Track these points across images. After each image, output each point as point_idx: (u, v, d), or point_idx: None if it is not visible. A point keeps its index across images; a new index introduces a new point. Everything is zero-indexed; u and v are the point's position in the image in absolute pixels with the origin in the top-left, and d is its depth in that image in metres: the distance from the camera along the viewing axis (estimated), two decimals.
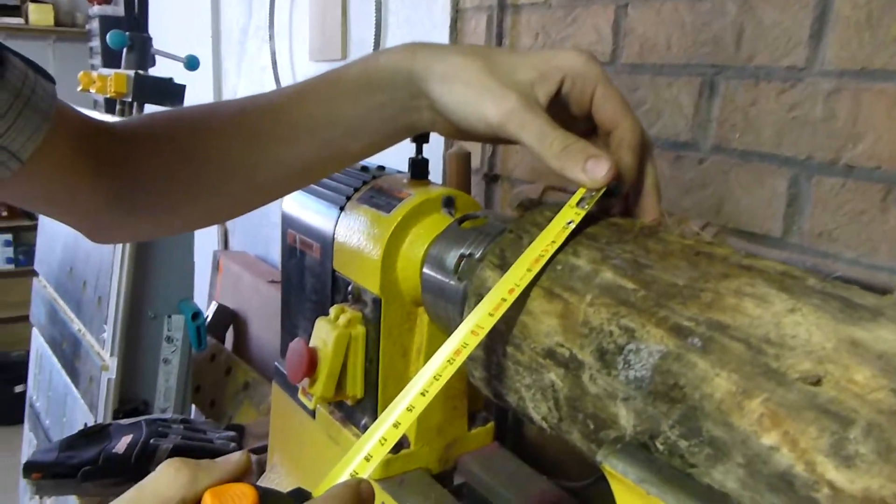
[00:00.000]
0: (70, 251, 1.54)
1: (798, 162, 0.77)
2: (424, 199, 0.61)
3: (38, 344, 1.75)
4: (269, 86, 1.86)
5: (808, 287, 0.35)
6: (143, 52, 1.43)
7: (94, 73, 1.51)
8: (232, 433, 1.11)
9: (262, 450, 1.00)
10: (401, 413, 0.42)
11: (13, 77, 0.40)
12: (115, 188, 0.46)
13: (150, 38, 1.49)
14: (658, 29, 0.88)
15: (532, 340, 0.43)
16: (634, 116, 0.47)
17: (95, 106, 2.56)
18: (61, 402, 1.53)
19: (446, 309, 0.55)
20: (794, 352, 0.32)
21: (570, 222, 0.45)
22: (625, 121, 0.47)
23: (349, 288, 0.64)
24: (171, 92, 1.33)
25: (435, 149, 0.69)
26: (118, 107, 1.46)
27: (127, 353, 1.32)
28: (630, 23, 0.91)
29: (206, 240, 2.16)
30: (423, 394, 0.42)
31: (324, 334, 0.62)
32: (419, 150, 0.65)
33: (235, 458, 0.37)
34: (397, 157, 0.87)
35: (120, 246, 1.27)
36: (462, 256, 0.53)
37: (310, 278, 0.71)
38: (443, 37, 1.21)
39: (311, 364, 0.61)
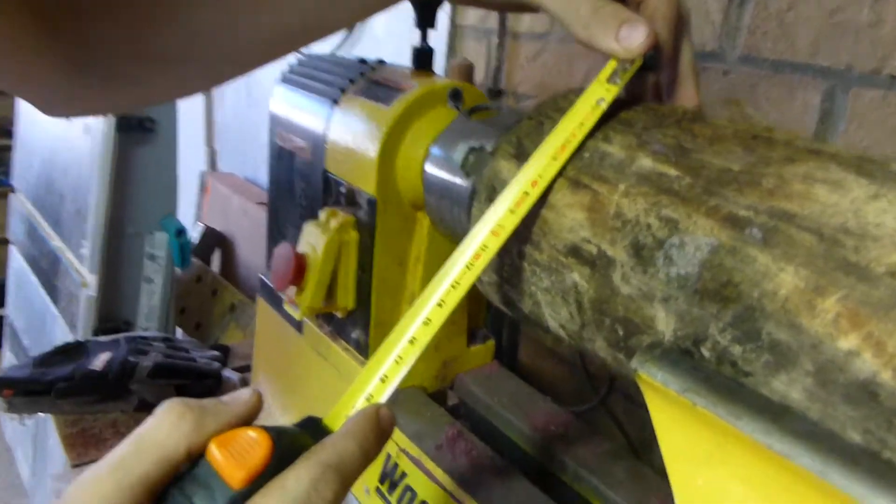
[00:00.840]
0: (48, 165, 1.47)
1: (836, 73, 0.70)
2: (428, 91, 0.54)
3: (17, 263, 1.68)
4: None
5: (892, 172, 0.30)
6: None
7: None
8: (216, 353, 1.06)
9: (247, 368, 0.96)
10: (417, 328, 0.37)
11: None
12: (67, 52, 0.39)
13: None
14: None
15: (553, 237, 0.38)
16: None
17: None
18: (40, 321, 1.48)
19: (452, 210, 0.49)
20: (880, 242, 0.27)
21: (600, 101, 0.39)
22: None
23: (341, 190, 0.58)
24: None
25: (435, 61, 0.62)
26: None
27: (108, 270, 1.26)
28: None
29: (192, 160, 2.08)
30: (440, 305, 0.37)
31: (313, 239, 0.57)
32: (424, 38, 0.58)
33: (244, 399, 0.31)
34: (398, 50, 0.79)
35: (99, 158, 1.20)
36: (471, 150, 0.47)
37: (299, 182, 0.65)
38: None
39: (299, 270, 0.56)
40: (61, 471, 0.88)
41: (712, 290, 0.30)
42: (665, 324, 0.32)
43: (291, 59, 0.72)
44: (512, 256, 0.41)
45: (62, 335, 1.34)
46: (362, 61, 0.64)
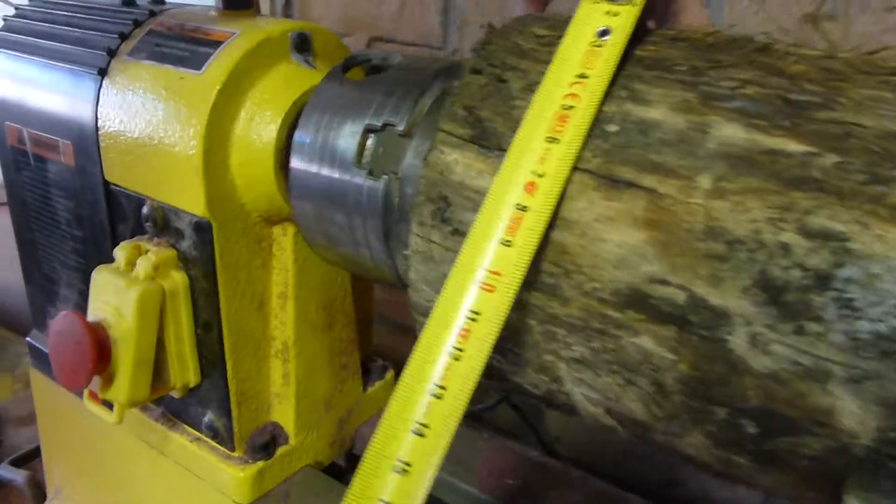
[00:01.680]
0: None
1: None
2: (262, 40, 0.34)
3: None
4: None
5: None
6: None
7: None
8: None
9: (33, 455, 0.70)
10: (392, 488, 0.20)
11: None
12: None
13: None
14: None
15: (586, 277, 0.22)
16: None
17: None
18: None
19: (348, 226, 0.31)
20: None
21: (603, 33, 0.24)
22: None
23: (143, 211, 0.37)
24: None
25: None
26: None
27: None
28: None
29: None
30: (420, 434, 0.20)
31: (114, 297, 0.35)
32: None
33: None
34: None
35: None
36: (368, 131, 0.29)
37: (62, 200, 0.42)
38: None
39: (101, 353, 0.35)
40: None
41: None
42: (855, 418, 0.19)
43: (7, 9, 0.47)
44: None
45: None
46: (128, 2, 0.41)
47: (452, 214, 0.24)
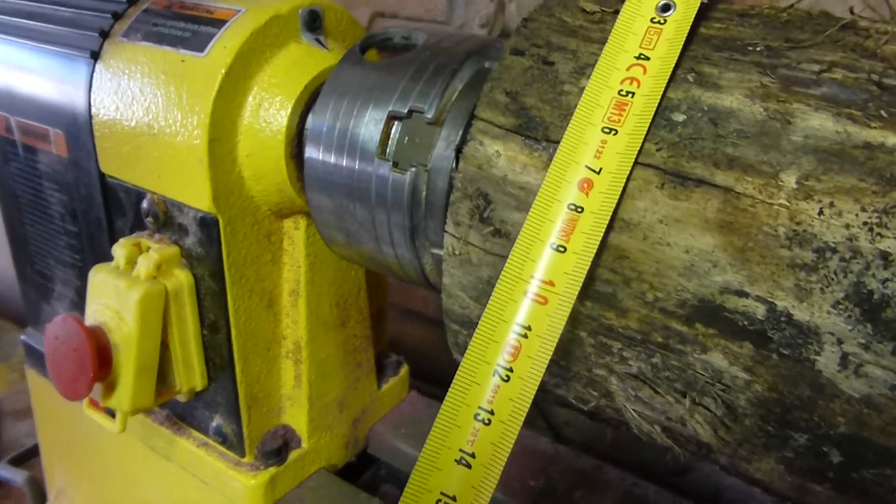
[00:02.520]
0: None
1: None
2: (270, 18, 0.31)
3: None
4: None
5: None
6: None
7: None
8: None
9: (32, 453, 0.67)
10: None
11: None
12: None
13: None
14: None
15: (648, 286, 0.20)
16: None
17: None
18: None
19: (370, 222, 0.28)
20: None
21: (665, 8, 0.21)
22: None
23: (143, 205, 0.34)
24: None
25: None
26: None
27: None
28: None
29: None
30: (464, 463, 0.18)
31: (113, 298, 0.33)
32: None
33: None
34: None
35: None
36: (393, 118, 0.27)
37: (54, 193, 0.39)
38: None
39: (101, 359, 0.32)
40: None
41: None
42: None
43: None
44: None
45: None
46: None
47: (493, 214, 0.22)
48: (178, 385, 0.36)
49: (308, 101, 0.31)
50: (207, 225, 0.33)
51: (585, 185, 0.20)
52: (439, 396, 0.31)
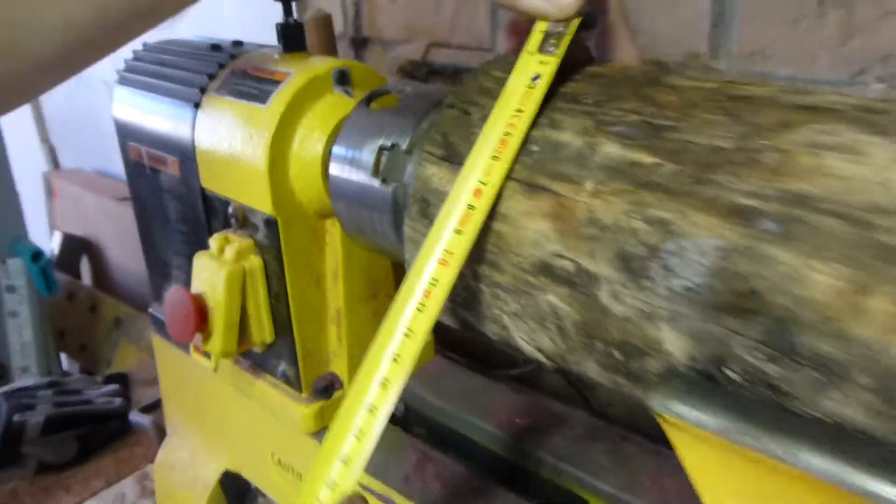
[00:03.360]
0: None
1: None
2: (311, 79, 0.45)
3: None
4: None
5: None
6: None
7: None
8: (114, 386, 0.95)
9: (156, 405, 0.86)
10: (375, 393, 0.30)
11: None
12: None
13: None
14: None
15: (514, 254, 0.32)
16: None
17: None
18: None
19: (371, 220, 0.41)
20: None
21: (535, 78, 0.33)
22: None
23: (229, 211, 0.49)
24: None
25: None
26: None
27: None
28: None
29: (30, 161, 1.84)
30: (395, 360, 0.30)
31: (209, 274, 0.48)
32: (287, 11, 0.49)
33: None
34: (254, 27, 0.68)
35: None
36: (382, 149, 0.39)
37: (172, 202, 0.55)
38: None
39: (201, 317, 0.47)
40: None
41: (730, 302, 0.25)
42: (675, 346, 0.27)
43: (126, 52, 0.60)
44: (465, 279, 0.34)
45: None
46: (215, 47, 0.53)
47: (431, 212, 0.34)
48: (254, 338, 0.50)
49: (335, 135, 0.44)
50: (270, 224, 0.47)
51: (477, 193, 0.32)
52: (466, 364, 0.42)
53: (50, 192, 1.80)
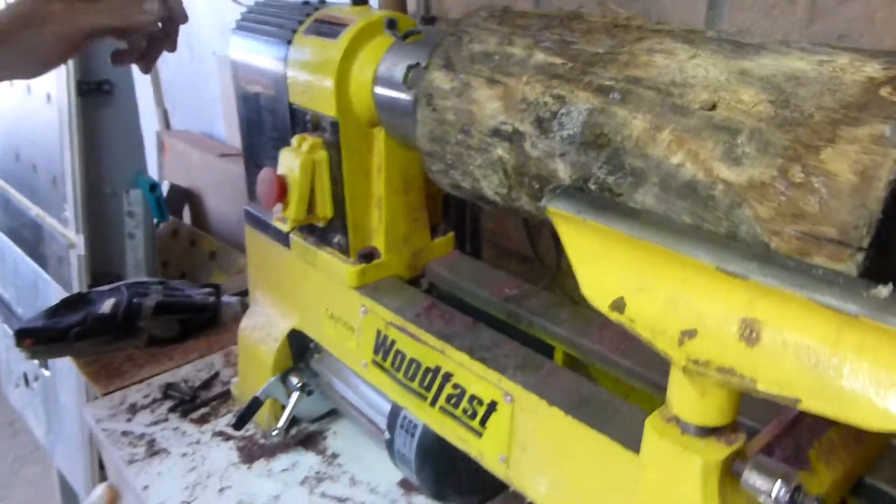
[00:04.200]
0: (11, 138, 1.52)
1: None
2: (368, 23, 0.64)
3: None
4: None
5: (707, 38, 0.41)
6: None
7: None
8: (210, 289, 1.17)
9: (243, 293, 1.07)
10: None
11: None
12: None
13: None
14: None
15: (479, 125, 0.49)
16: None
17: None
18: (31, 288, 1.56)
19: (402, 120, 0.60)
20: (695, 88, 0.39)
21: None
22: None
23: (307, 118, 0.68)
24: None
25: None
26: None
27: (91, 230, 1.34)
28: None
29: (146, 121, 2.12)
30: None
31: (289, 162, 0.67)
32: None
33: None
34: None
35: (66, 124, 1.27)
36: (409, 67, 0.58)
37: (267, 116, 0.74)
38: None
39: (282, 190, 0.67)
40: (87, 403, 0.98)
41: (591, 140, 0.42)
42: (564, 172, 0.44)
43: (241, 8, 0.80)
44: (451, 145, 0.52)
45: (57, 296, 1.43)
46: (306, 2, 0.73)
47: (434, 103, 0.52)
48: (318, 212, 0.69)
49: (380, 64, 0.63)
50: (335, 126, 0.66)
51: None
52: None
53: (161, 148, 2.07)
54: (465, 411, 0.60)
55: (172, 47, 0.71)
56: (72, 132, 1.25)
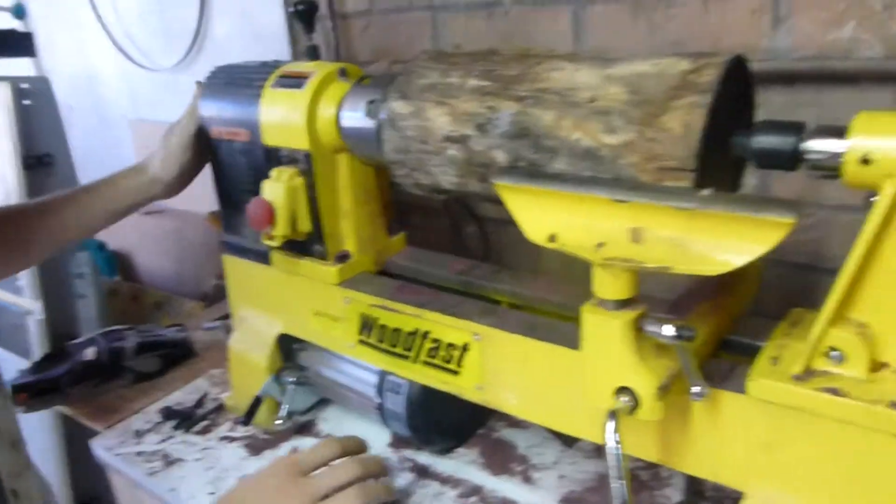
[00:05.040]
0: None
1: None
2: (326, 73, 0.82)
3: None
4: (87, 23, 1.89)
5: (583, 57, 0.63)
6: None
7: None
8: (177, 326, 1.29)
9: (223, 317, 1.21)
10: None
11: None
12: None
13: None
14: None
15: (434, 135, 0.69)
16: None
17: None
18: None
19: (368, 142, 0.78)
20: (581, 90, 0.60)
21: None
22: None
23: (281, 154, 0.85)
24: (17, 41, 1.38)
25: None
26: None
27: (46, 295, 1.43)
28: None
29: None
30: None
31: (273, 190, 0.84)
32: (310, 38, 0.86)
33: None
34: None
35: (13, 195, 1.36)
36: (369, 102, 0.77)
37: (242, 158, 0.91)
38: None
39: (271, 213, 0.83)
40: (93, 439, 1.08)
41: (518, 133, 0.63)
42: (501, 158, 0.65)
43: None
44: (413, 154, 0.71)
45: (14, 367, 1.49)
46: (265, 64, 0.90)
47: (397, 125, 0.71)
48: (299, 228, 0.86)
49: (341, 103, 0.81)
50: (308, 156, 0.83)
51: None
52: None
53: None
54: (443, 358, 0.79)
55: None
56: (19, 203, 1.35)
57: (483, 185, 0.68)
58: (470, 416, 0.95)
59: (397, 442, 0.96)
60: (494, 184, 0.64)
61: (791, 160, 0.54)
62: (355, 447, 0.81)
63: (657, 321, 0.56)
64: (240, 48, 1.55)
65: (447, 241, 1.29)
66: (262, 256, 0.94)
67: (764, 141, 0.55)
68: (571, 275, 0.69)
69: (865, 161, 0.49)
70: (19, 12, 1.51)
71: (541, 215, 0.61)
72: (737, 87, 0.58)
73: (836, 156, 0.51)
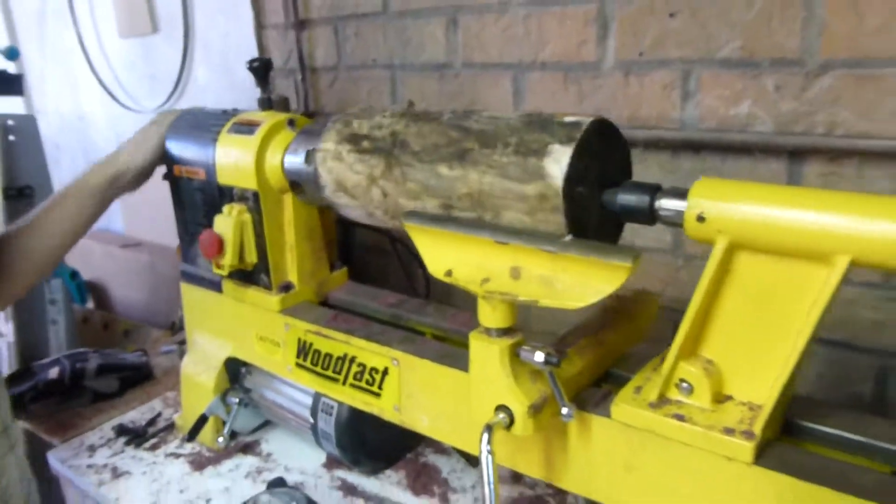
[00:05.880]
0: None
1: (514, 66, 1.16)
2: (275, 122, 0.92)
3: None
4: (78, 67, 2.00)
5: (499, 118, 0.73)
6: None
7: None
8: (140, 351, 1.37)
9: (179, 342, 1.28)
10: None
11: None
12: None
13: None
14: None
15: (360, 184, 0.78)
16: None
17: None
18: None
19: (309, 187, 0.88)
20: (500, 129, 0.70)
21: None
22: None
23: (233, 192, 0.94)
24: (8, 81, 1.49)
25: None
26: None
27: (18, 319, 1.50)
28: None
29: None
30: None
31: (223, 224, 0.93)
32: (265, 90, 0.97)
33: None
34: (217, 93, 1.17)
35: None
36: (308, 151, 0.86)
37: (198, 194, 1.00)
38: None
39: (220, 245, 0.92)
40: (50, 451, 1.15)
41: (445, 190, 0.72)
42: (430, 203, 0.74)
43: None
44: (363, 205, 0.80)
45: None
46: (225, 112, 1.00)
47: (328, 166, 0.81)
48: (246, 259, 0.95)
49: (286, 149, 0.91)
50: (255, 195, 0.92)
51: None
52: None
53: None
54: (366, 381, 0.87)
55: None
56: None
57: (396, 224, 0.77)
58: (398, 440, 1.03)
59: (331, 463, 1.04)
60: (405, 224, 0.73)
61: (648, 216, 0.63)
62: None
63: (531, 349, 0.65)
64: (217, 94, 1.66)
65: (399, 279, 1.38)
66: (216, 285, 1.03)
67: (625, 199, 0.64)
68: None
69: (701, 219, 0.59)
70: (12, 55, 1.62)
71: (439, 253, 0.70)
72: (612, 149, 0.68)
73: (680, 213, 0.60)
